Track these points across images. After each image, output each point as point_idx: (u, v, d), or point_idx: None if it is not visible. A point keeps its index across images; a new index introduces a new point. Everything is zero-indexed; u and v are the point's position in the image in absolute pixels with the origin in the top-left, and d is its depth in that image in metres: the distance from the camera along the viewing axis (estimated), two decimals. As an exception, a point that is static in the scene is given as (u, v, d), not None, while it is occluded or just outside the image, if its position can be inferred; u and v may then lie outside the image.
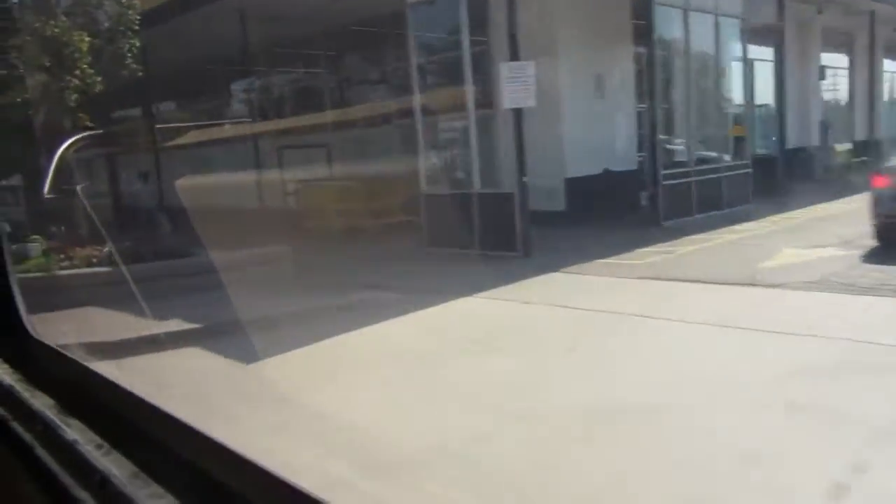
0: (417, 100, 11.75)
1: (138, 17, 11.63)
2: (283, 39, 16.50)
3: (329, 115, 17.59)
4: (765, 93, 17.59)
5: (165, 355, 6.77)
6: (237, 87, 19.51)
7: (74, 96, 9.97)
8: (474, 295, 7.99)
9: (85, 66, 9.97)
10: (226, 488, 1.05)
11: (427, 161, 11.97)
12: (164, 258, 9.43)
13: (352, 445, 3.89)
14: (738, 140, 14.97)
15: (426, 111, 11.84)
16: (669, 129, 13.54)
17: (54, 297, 8.03)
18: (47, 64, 9.91)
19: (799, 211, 13.06)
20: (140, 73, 12.03)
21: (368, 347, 6.25)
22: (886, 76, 23.64)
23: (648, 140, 13.29)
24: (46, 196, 10.63)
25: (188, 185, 14.60)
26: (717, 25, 13.57)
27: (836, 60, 21.21)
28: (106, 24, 11.52)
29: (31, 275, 8.96)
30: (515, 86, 9.77)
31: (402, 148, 14.43)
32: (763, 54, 16.96)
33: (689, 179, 12.87)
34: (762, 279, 7.53)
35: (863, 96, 21.39)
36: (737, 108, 15.55)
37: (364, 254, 11.11)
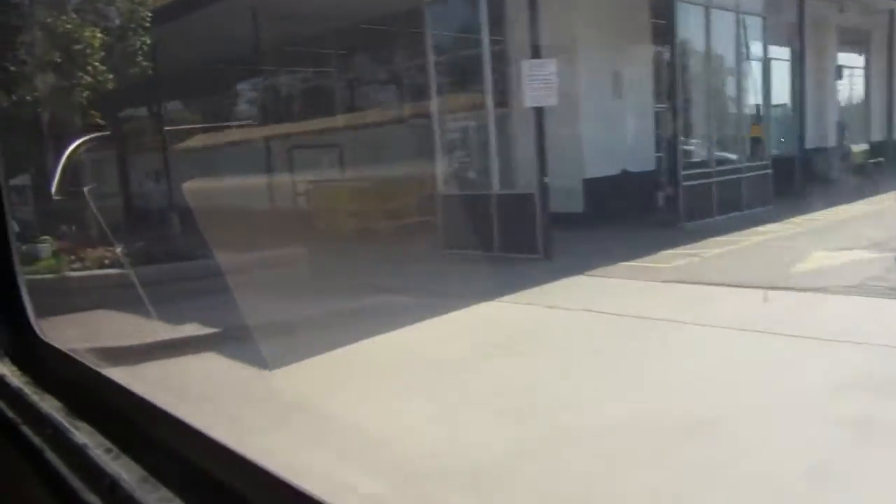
0: (434, 99, 11.51)
1: (149, 15, 11.45)
2: (295, 38, 16.28)
3: (342, 115, 17.37)
4: (779, 93, 17.35)
5: (182, 361, 6.55)
6: (248, 86, 19.29)
7: (86, 93, 9.75)
8: (497, 299, 7.74)
9: (97, 62, 9.74)
10: (235, 493, 1.04)
11: (444, 161, 11.73)
12: (177, 260, 9.22)
13: (395, 463, 3.65)
14: (756, 140, 14.74)
15: (443, 110, 11.61)
16: (687, 129, 13.30)
17: (65, 299, 7.85)
18: (58, 60, 9.69)
19: (820, 212, 12.81)
20: (151, 72, 11.85)
21: (396, 355, 6.00)
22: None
23: (669, 140, 13.05)
24: (54, 197, 10.46)
25: (200, 186, 14.40)
26: (738, 23, 13.32)
27: (850, 60, 20.93)
28: (117, 21, 11.33)
29: (40, 276, 8.76)
30: (537, 84, 9.53)
31: (416, 148, 14.21)
32: (778, 53, 16.70)
33: (709, 180, 12.64)
34: (798, 283, 7.27)
35: (879, 96, 21.08)
36: (755, 107, 15.29)
37: (378, 255, 10.86)
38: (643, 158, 13.45)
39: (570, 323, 6.93)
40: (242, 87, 19.82)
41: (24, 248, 8.95)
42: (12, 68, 10.04)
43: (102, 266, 9.11)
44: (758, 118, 15.25)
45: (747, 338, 5.72)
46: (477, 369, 5.53)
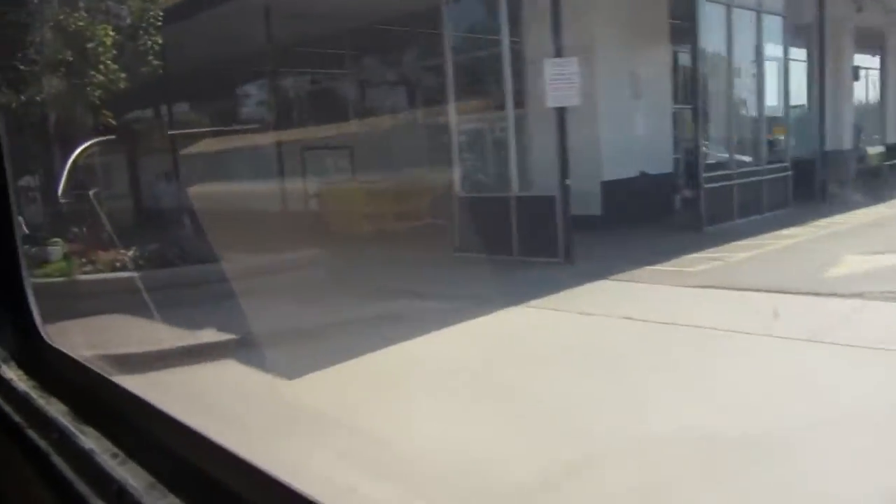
0: (451, 99, 11.30)
1: (161, 14, 11.27)
2: (309, 38, 16.07)
3: (356, 116, 17.17)
4: (796, 94, 17.09)
5: (199, 369, 6.33)
6: (260, 86, 19.05)
7: (98, 93, 9.54)
8: (523, 304, 7.50)
9: (109, 60, 9.54)
10: (244, 501, 1.03)
11: (460, 163, 11.51)
12: (191, 263, 9.00)
13: (437, 484, 3.42)
14: (776, 142, 14.52)
15: (460, 111, 11.40)
16: (707, 131, 13.09)
17: (76, 303, 7.64)
18: (70, 58, 9.49)
19: (842, 215, 12.59)
20: (162, 72, 11.66)
21: (424, 363, 5.75)
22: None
23: (689, 142, 12.83)
24: (60, 200, 10.28)
25: (212, 187, 14.21)
26: (759, 23, 13.10)
27: (866, 61, 20.68)
28: (128, 21, 11.15)
29: (51, 280, 8.56)
30: (559, 83, 9.31)
31: (429, 149, 14.01)
32: (794, 54, 16.46)
33: (730, 183, 12.41)
34: (835, 289, 7.02)
35: (894, 98, 20.82)
36: (774, 109, 15.06)
37: (394, 258, 10.61)
38: (661, 160, 13.22)
39: (611, 331, 6.59)
40: (254, 87, 19.60)
41: (34, 250, 8.75)
42: (22, 67, 9.85)
43: (114, 269, 8.90)
44: (779, 119, 15.02)
45: (800, 347, 5.42)
46: (527, 381, 5.13)
